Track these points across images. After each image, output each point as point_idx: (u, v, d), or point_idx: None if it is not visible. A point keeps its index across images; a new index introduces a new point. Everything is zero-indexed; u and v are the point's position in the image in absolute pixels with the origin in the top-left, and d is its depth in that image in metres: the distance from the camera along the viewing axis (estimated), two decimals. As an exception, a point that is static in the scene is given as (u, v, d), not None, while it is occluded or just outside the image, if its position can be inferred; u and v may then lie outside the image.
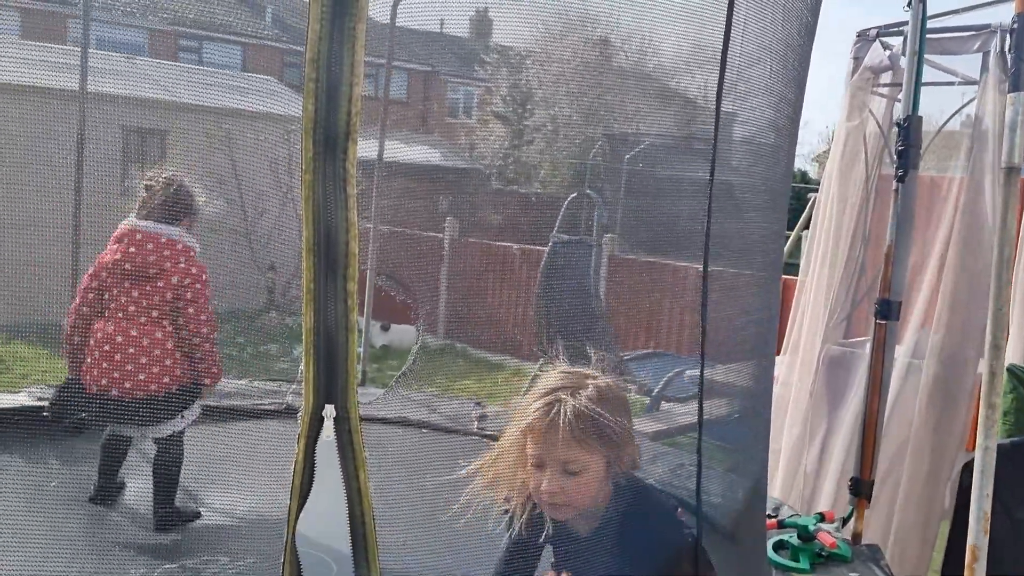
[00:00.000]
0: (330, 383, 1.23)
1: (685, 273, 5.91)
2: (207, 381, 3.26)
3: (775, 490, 4.39)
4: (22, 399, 3.94)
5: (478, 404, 4.13)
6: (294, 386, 4.36)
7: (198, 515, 3.21)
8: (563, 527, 1.69)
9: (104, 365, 3.10)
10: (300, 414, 1.22)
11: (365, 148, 5.20)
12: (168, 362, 3.14)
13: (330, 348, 1.22)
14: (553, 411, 1.61)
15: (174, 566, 2.60)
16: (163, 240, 3.22)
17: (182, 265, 3.20)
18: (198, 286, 3.20)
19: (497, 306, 8.23)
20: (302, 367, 1.23)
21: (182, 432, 3.23)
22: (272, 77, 11.58)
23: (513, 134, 15.09)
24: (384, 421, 3.92)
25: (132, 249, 3.20)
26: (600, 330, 4.68)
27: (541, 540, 1.71)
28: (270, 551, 2.52)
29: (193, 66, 14.67)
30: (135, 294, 3.15)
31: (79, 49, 5.15)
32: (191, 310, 3.17)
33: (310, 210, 1.15)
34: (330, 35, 1.12)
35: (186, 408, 3.21)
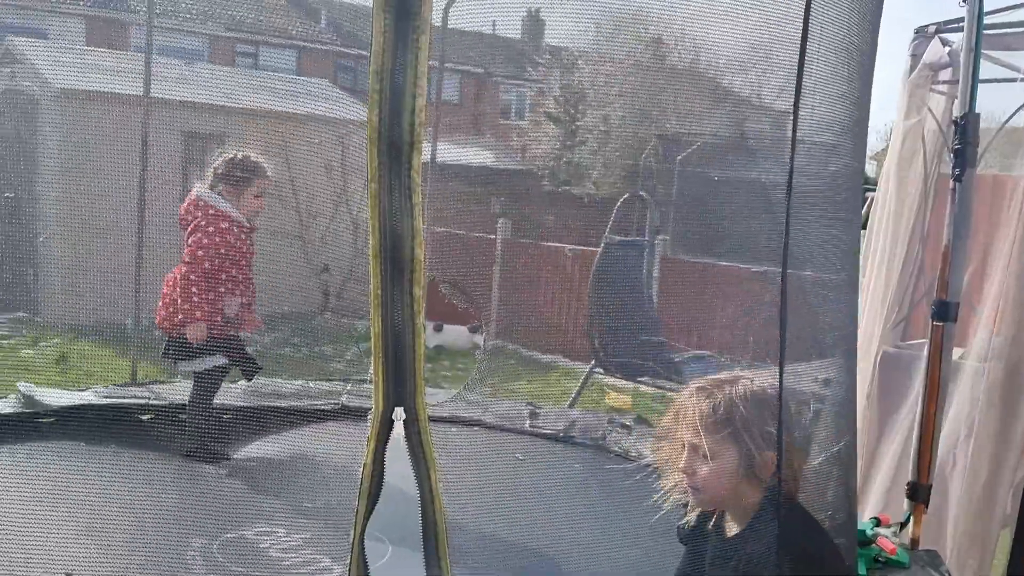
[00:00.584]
0: (399, 386, 1.26)
1: (737, 273, 5.87)
2: (197, 316, 3.45)
3: (830, 494, 4.33)
4: (87, 396, 4.06)
5: (529, 404, 4.17)
6: (349, 386, 4.44)
7: (226, 458, 3.42)
8: (709, 521, 1.76)
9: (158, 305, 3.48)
10: (370, 417, 1.26)
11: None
12: (185, 307, 3.38)
13: (398, 352, 1.25)
14: (694, 397, 1.72)
15: (233, 536, 2.72)
16: (191, 199, 3.53)
17: (199, 219, 3.53)
18: (204, 238, 3.47)
19: (549, 307, 8.24)
20: (371, 370, 1.26)
21: (204, 374, 3.49)
22: (326, 80, 11.76)
23: (565, 135, 15.08)
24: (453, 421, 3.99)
25: (180, 211, 3.51)
26: (652, 332, 4.67)
27: (682, 522, 1.80)
28: (325, 526, 2.65)
29: (250, 71, 14.94)
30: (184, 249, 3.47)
31: (142, 56, 5.28)
32: (192, 250, 3.47)
33: (376, 218, 1.19)
34: (394, 47, 1.15)
35: (202, 352, 3.44)
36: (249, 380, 3.68)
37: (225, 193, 3.60)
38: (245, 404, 4.01)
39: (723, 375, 1.82)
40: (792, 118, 1.46)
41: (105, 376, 5.16)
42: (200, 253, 3.50)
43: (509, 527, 2.82)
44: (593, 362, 4.88)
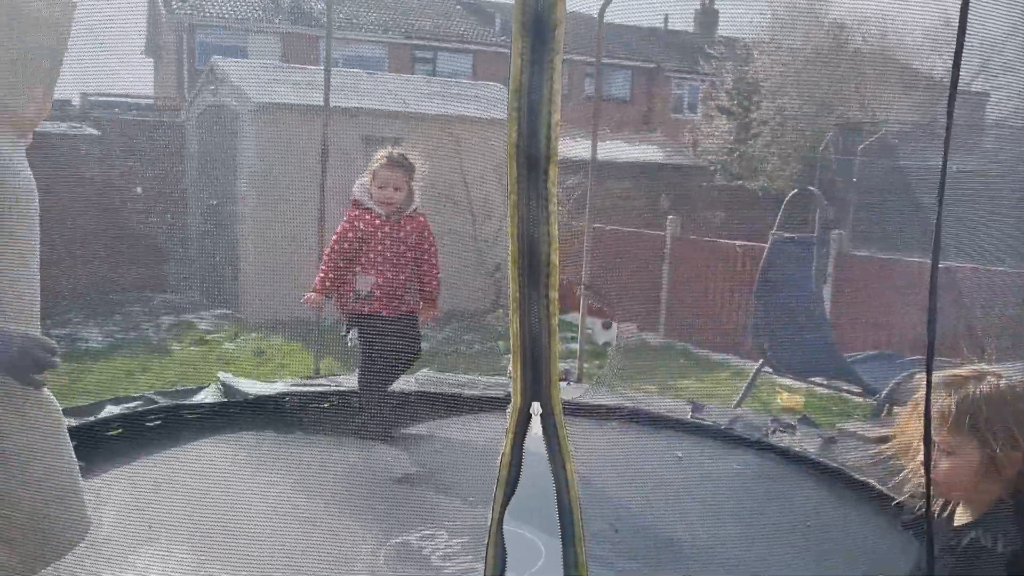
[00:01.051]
0: (536, 382, 1.35)
1: (919, 269, 5.56)
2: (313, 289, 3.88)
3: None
4: (278, 387, 4.38)
5: (691, 402, 4.15)
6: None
7: (387, 436, 3.73)
8: (943, 510, 1.78)
9: None
10: (508, 411, 1.35)
11: (585, 149, 5.30)
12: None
13: (535, 350, 1.33)
14: (937, 391, 1.72)
15: (398, 540, 2.86)
16: None
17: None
18: (340, 224, 3.86)
19: (719, 305, 8.10)
20: (510, 368, 1.35)
21: (360, 349, 3.87)
22: (499, 83, 12.06)
23: (738, 128, 14.73)
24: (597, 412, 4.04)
25: None
26: (821, 331, 4.52)
27: (906, 508, 1.82)
28: (483, 532, 2.75)
29: (427, 76, 15.55)
30: None
31: (330, 68, 5.61)
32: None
33: (515, 226, 1.27)
34: (531, 67, 1.23)
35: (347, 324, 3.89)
36: (368, 355, 3.90)
37: (367, 184, 3.89)
38: (418, 389, 4.26)
39: (967, 370, 1.78)
40: (948, 96, 1.41)
41: (294, 368, 5.57)
42: (332, 238, 3.93)
43: (663, 520, 2.87)
44: (761, 360, 4.78)
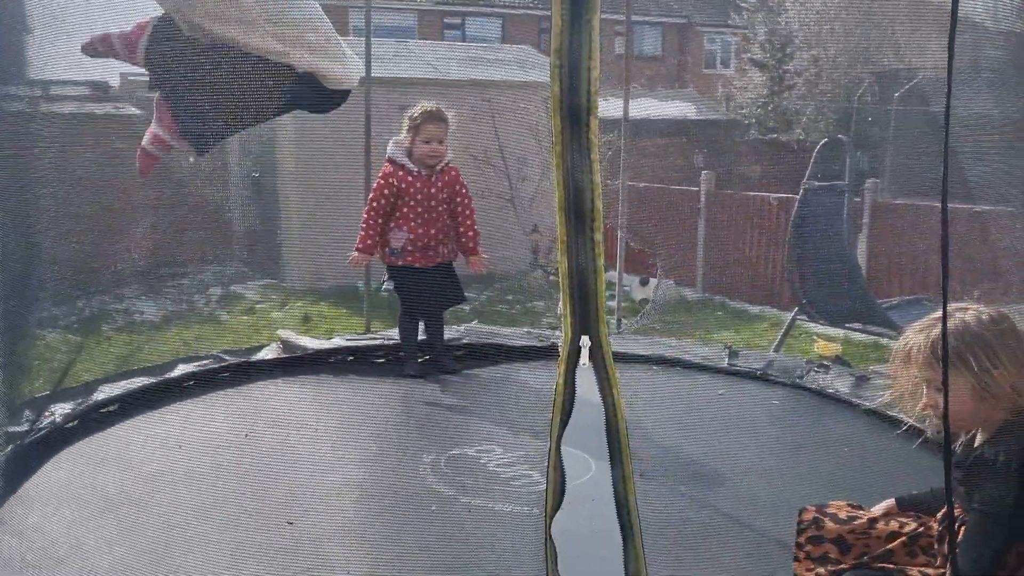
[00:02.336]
0: (584, 318, 1.47)
1: (955, 215, 5.57)
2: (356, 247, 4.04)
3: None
4: (336, 342, 4.55)
5: (728, 347, 4.28)
6: (558, 332, 4.69)
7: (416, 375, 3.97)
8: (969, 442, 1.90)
9: None
10: (560, 344, 1.48)
11: (618, 108, 5.36)
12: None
13: (583, 289, 1.46)
14: (914, 336, 1.85)
15: (458, 452, 3.09)
16: None
17: None
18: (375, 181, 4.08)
19: (755, 257, 8.16)
20: (560, 306, 1.48)
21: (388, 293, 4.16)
22: (529, 46, 12.06)
23: (772, 81, 14.58)
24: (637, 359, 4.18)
25: None
26: (853, 278, 4.58)
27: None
28: (536, 450, 2.98)
29: (457, 43, 15.57)
30: None
31: (362, 39, 5.71)
32: None
33: (561, 175, 1.40)
34: (570, 27, 1.35)
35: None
36: (406, 305, 4.08)
37: (404, 142, 3.97)
38: (469, 341, 4.47)
39: (936, 313, 1.88)
40: (949, 36, 1.47)
41: (342, 331, 5.77)
42: (369, 196, 4.05)
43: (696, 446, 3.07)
44: (796, 309, 4.86)
